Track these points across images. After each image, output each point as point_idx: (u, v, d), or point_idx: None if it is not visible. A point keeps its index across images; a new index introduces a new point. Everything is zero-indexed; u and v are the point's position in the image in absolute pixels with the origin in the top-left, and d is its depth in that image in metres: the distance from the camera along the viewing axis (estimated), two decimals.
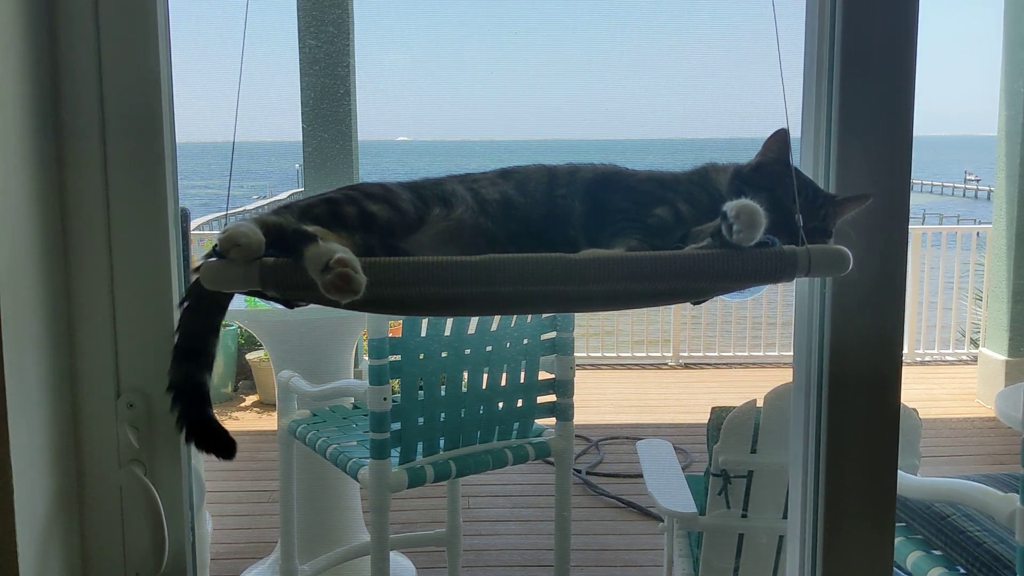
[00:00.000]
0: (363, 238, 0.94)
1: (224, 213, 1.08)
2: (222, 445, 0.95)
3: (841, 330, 1.12)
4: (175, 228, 1.10)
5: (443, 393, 2.22)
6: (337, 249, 0.84)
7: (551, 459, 2.42)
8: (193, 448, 0.97)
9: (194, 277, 0.91)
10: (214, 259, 0.87)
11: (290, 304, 0.93)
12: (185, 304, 0.95)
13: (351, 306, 0.86)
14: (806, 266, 0.91)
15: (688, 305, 1.09)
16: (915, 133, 1.09)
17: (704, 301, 1.03)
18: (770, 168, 1.05)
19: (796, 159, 1.10)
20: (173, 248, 1.09)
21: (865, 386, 1.13)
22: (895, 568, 2.01)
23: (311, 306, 0.92)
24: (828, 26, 1.09)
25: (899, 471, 1.30)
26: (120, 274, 1.08)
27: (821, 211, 1.01)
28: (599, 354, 5.91)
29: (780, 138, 1.06)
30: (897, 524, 2.08)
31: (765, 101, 1.06)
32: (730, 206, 0.90)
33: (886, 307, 1.12)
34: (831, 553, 1.15)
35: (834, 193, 1.07)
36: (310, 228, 0.89)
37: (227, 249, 0.86)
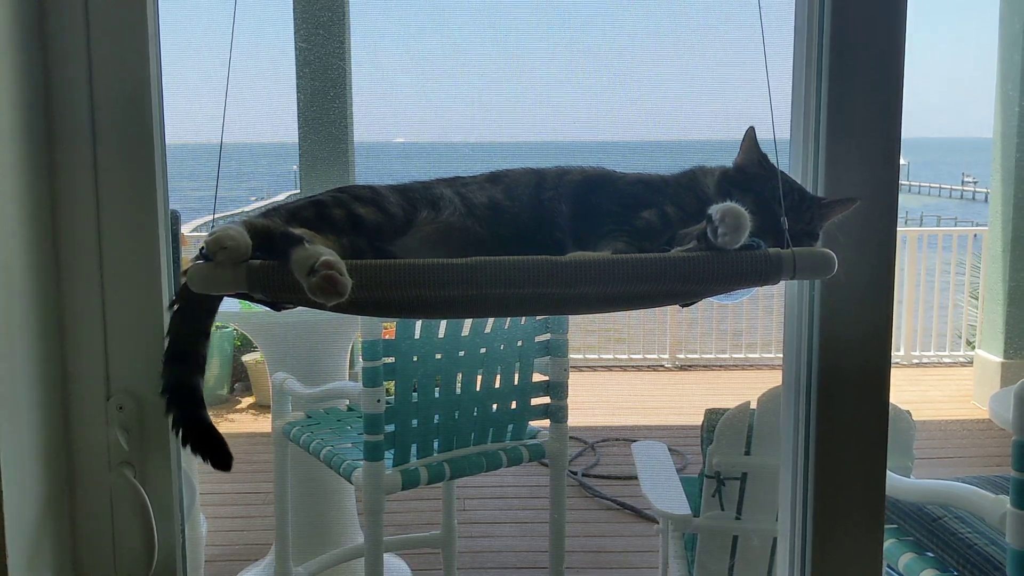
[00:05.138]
0: (351, 241, 0.95)
1: (223, 214, 1.09)
2: (218, 454, 0.94)
3: (831, 331, 1.12)
4: (165, 231, 1.10)
5: (437, 395, 2.22)
6: (323, 252, 0.85)
7: (546, 461, 2.42)
8: (184, 451, 0.97)
9: (184, 280, 0.91)
10: (201, 262, 0.87)
11: (277, 306, 0.93)
12: (175, 307, 0.95)
13: (337, 308, 0.87)
14: (791, 269, 0.91)
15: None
16: (914, 135, 1.09)
17: (693, 303, 1.03)
18: (750, 170, 1.06)
19: (785, 161, 1.10)
20: (164, 251, 1.09)
21: (854, 387, 1.13)
22: (888, 569, 2.01)
23: (306, 308, 0.92)
24: (817, 28, 1.09)
25: (892, 473, 1.30)
26: (111, 277, 1.08)
27: (807, 214, 1.02)
28: (595, 356, 5.90)
29: (749, 136, 1.07)
30: (889, 526, 2.09)
31: (759, 103, 1.06)
32: (715, 209, 0.90)
33: (875, 308, 1.12)
34: (821, 552, 1.16)
35: (821, 196, 1.08)
36: (297, 231, 0.89)
37: (214, 252, 0.86)
